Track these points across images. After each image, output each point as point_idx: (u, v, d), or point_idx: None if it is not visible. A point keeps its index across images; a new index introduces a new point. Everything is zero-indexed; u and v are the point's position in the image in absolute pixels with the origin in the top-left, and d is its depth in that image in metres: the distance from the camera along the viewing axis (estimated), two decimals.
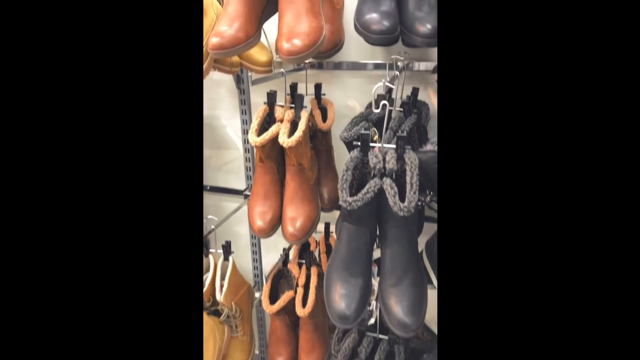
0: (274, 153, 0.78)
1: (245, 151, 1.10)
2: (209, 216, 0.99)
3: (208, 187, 1.21)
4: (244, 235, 1.22)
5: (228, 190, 1.19)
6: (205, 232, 0.90)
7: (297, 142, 0.70)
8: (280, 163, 0.80)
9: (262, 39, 0.72)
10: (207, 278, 0.89)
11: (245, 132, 1.09)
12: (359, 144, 0.63)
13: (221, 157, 1.20)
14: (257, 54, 0.89)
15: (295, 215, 0.76)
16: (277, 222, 0.79)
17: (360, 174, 0.65)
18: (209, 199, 1.23)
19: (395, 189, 0.55)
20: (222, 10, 0.66)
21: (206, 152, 1.19)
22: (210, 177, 1.21)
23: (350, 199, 0.55)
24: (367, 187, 0.56)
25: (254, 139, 0.73)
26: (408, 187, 0.55)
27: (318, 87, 0.90)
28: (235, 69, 0.89)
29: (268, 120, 0.82)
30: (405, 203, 0.53)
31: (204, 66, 0.74)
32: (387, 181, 0.55)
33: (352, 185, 0.63)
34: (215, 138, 1.18)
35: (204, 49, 0.72)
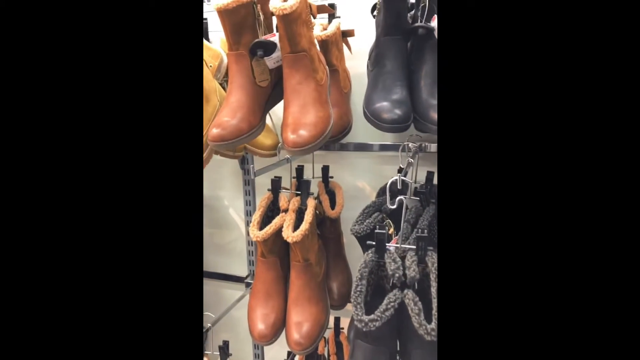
0: (277, 247, 0.70)
1: (247, 234, 1.03)
2: (206, 313, 0.89)
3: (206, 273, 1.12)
4: (244, 324, 1.11)
5: (229, 277, 1.10)
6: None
7: (302, 236, 0.63)
8: (285, 256, 0.72)
9: (267, 119, 0.68)
10: None
11: (248, 213, 1.02)
12: (374, 243, 0.55)
13: (222, 236, 1.13)
14: (262, 137, 0.85)
15: (301, 320, 0.66)
16: (280, 325, 0.69)
17: (376, 277, 0.57)
18: (208, 285, 1.13)
19: (420, 305, 0.46)
20: (225, 97, 0.63)
21: (207, 231, 1.12)
22: (210, 261, 1.13)
23: (366, 319, 0.46)
24: (385, 302, 0.47)
25: (255, 233, 0.66)
26: (434, 301, 0.47)
27: (325, 169, 0.85)
28: (239, 153, 0.85)
29: (272, 208, 0.76)
30: (433, 325, 0.44)
31: (204, 155, 0.69)
32: (409, 295, 0.47)
33: (367, 292, 0.54)
34: (217, 219, 1.11)
35: (204, 139, 0.68)
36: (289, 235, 0.63)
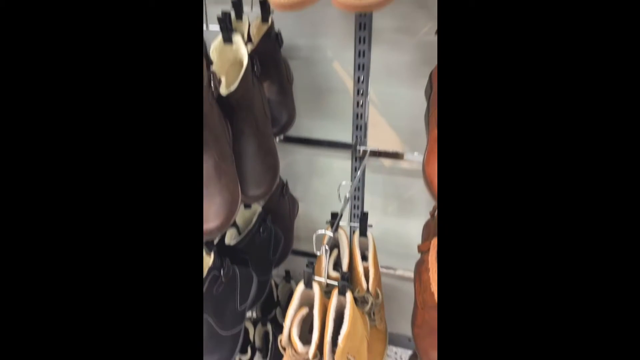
0: None
1: (356, 93, 0.82)
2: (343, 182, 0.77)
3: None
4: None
5: (333, 144, 0.95)
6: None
7: None
8: None
9: None
10: (342, 256, 0.70)
11: (360, 67, 0.80)
12: None
13: (323, 96, 0.94)
14: None
15: None
16: None
17: None
18: (306, 154, 1.01)
19: None
20: None
21: (304, 90, 0.93)
22: (309, 126, 0.97)
23: None
24: None
25: None
26: None
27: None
28: None
29: None
30: None
31: None
32: None
33: None
34: (316, 75, 0.91)
35: None
36: None
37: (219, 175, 0.55)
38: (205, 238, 0.54)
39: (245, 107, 0.61)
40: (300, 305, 0.62)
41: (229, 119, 0.62)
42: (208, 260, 0.68)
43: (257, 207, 0.85)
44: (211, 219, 0.54)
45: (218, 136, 0.56)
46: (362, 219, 0.76)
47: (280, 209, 0.92)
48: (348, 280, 0.62)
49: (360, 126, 0.88)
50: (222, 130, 0.58)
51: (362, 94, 0.84)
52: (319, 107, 0.94)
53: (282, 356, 0.74)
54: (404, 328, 1.12)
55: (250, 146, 0.63)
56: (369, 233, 0.77)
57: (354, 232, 0.78)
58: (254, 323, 0.98)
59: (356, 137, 0.89)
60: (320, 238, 0.67)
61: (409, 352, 1.15)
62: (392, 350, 1.17)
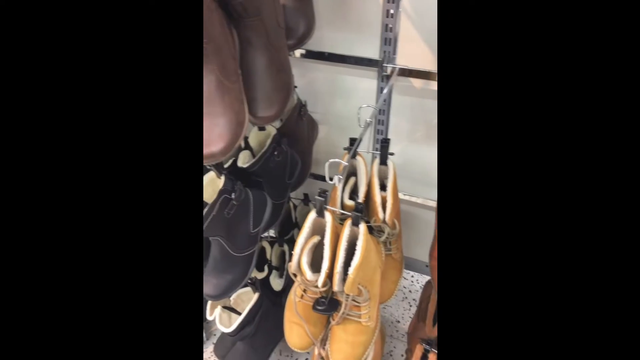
0: None
1: (386, 0, 0.70)
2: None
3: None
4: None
5: (360, 60, 0.85)
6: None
7: None
8: None
9: None
10: (359, 185, 0.66)
11: None
12: None
13: (349, 5, 0.82)
14: None
15: None
16: None
17: None
18: (330, 71, 0.91)
19: None
20: None
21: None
22: (332, 40, 0.87)
23: None
24: None
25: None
26: None
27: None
28: None
29: None
30: None
31: None
32: None
33: None
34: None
35: None
36: None
37: (222, 93, 0.49)
38: (208, 162, 0.51)
39: (253, 13, 0.53)
40: (312, 233, 0.60)
41: (234, 28, 0.55)
42: (219, 182, 0.66)
43: (271, 129, 0.80)
44: (214, 142, 0.49)
45: (220, 47, 0.49)
46: (383, 146, 0.70)
47: (297, 131, 0.86)
48: (362, 212, 0.59)
49: (389, 40, 0.77)
50: (226, 40, 0.51)
51: (393, 2, 0.72)
52: (342, 17, 0.83)
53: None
54: (422, 255, 1.11)
55: (259, 60, 0.56)
56: (389, 161, 0.71)
57: (375, 159, 0.72)
58: (271, 243, 1.00)
59: (384, 52, 0.79)
60: (335, 166, 0.63)
61: (426, 278, 1.16)
62: (409, 274, 1.18)
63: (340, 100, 0.97)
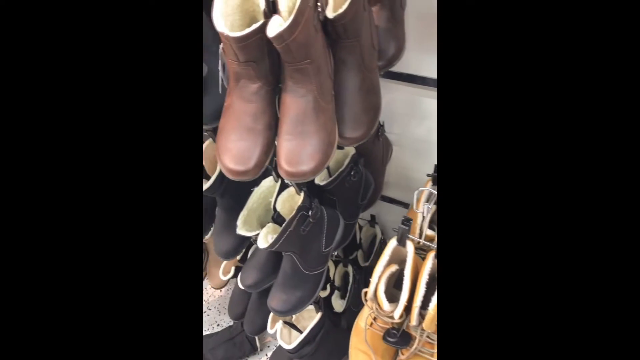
0: None
1: None
2: None
3: None
4: None
5: None
6: None
7: None
8: None
9: None
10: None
11: None
12: None
13: None
14: None
15: None
16: None
17: None
18: None
19: None
20: None
21: None
22: None
23: None
24: None
25: None
26: None
27: None
28: None
29: None
30: None
31: None
32: None
33: None
34: None
35: None
36: None
37: (317, 112, 0.49)
38: (297, 180, 0.51)
39: (353, 35, 0.53)
40: (390, 262, 0.58)
41: (331, 48, 0.55)
42: (297, 199, 0.66)
43: (350, 149, 0.79)
44: (305, 162, 0.49)
45: (320, 67, 0.49)
46: None
47: (373, 152, 0.85)
48: None
49: None
50: (325, 61, 0.51)
51: None
52: (431, 39, 0.81)
53: (359, 297, 0.72)
54: None
55: (351, 80, 0.56)
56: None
57: None
58: (335, 262, 0.98)
59: None
60: (419, 195, 0.60)
61: None
62: None
63: (417, 123, 0.94)
